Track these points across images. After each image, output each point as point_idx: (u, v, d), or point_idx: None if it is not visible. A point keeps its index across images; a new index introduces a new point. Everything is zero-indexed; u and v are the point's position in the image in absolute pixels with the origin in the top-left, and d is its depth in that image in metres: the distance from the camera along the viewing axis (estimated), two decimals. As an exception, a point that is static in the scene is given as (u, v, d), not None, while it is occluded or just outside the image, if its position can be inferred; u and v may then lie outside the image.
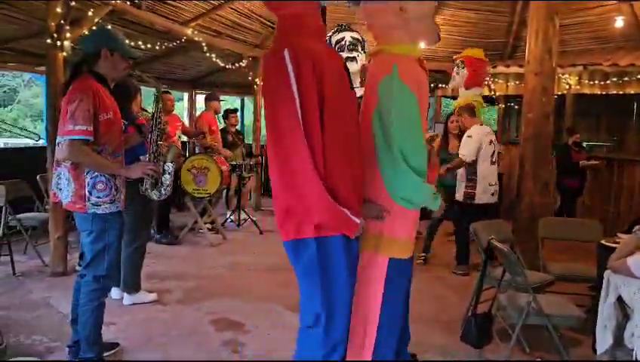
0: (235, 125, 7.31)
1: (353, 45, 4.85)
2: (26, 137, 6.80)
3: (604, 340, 2.66)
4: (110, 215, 2.72)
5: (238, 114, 7.60)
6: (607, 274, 2.66)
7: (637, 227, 2.61)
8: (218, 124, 6.95)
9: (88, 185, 2.65)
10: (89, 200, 2.65)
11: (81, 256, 2.91)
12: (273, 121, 1.85)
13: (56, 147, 2.76)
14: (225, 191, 7.05)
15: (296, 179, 1.83)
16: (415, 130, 2.37)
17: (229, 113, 7.26)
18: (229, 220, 6.89)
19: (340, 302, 1.93)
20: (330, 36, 4.54)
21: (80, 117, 2.54)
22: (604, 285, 2.68)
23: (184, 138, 7.02)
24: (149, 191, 3.04)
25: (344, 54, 4.77)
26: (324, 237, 1.89)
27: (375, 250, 2.30)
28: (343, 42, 4.77)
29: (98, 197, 2.67)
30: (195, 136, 6.68)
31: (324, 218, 1.86)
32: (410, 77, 2.37)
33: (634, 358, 2.35)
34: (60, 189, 2.71)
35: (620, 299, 2.59)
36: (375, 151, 2.21)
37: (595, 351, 2.79)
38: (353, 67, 4.87)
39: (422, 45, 2.72)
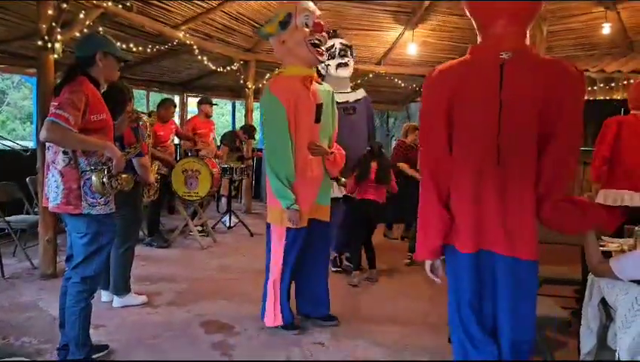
0: (243, 141, 7.42)
1: (344, 51, 4.94)
2: (16, 144, 6.74)
3: (588, 341, 2.70)
4: (104, 216, 2.72)
5: (229, 117, 7.64)
6: (590, 276, 2.71)
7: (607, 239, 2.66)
8: (213, 127, 7.04)
9: (85, 185, 2.65)
10: (85, 200, 2.65)
11: (68, 259, 2.88)
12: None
13: (46, 151, 2.77)
14: (216, 193, 7.07)
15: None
16: (279, 137, 3.14)
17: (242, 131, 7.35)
18: (221, 222, 6.90)
19: None
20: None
21: (65, 104, 2.53)
22: (587, 287, 2.73)
23: (176, 140, 7.05)
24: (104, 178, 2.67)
25: (335, 61, 4.86)
26: None
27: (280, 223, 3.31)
28: (333, 49, 4.84)
29: (94, 198, 2.67)
30: (185, 139, 6.75)
31: None
32: (284, 93, 3.13)
33: (617, 359, 2.40)
34: (52, 193, 2.70)
35: (603, 301, 2.64)
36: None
37: (579, 352, 2.83)
38: (345, 72, 4.95)
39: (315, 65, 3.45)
